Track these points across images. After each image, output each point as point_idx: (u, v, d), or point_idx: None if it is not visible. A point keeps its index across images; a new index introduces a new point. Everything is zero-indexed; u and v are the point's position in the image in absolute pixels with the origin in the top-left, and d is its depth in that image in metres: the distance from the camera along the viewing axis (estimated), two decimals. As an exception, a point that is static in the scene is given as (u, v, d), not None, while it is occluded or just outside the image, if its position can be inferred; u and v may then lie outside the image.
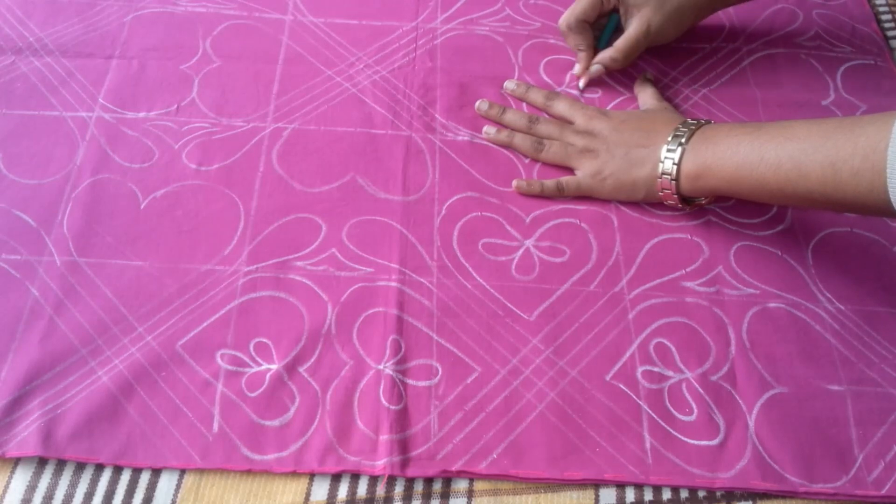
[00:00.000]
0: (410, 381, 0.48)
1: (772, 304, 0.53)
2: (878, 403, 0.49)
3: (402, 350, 0.49)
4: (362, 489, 0.45)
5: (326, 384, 0.48)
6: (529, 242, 0.55)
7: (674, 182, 0.52)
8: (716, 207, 0.57)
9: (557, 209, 0.57)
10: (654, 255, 0.55)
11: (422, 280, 0.52)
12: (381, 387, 0.48)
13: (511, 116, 0.61)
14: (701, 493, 0.46)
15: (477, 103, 0.62)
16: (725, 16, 0.71)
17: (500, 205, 0.57)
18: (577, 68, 0.64)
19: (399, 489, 0.45)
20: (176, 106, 0.61)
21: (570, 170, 0.58)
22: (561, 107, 0.60)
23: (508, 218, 0.56)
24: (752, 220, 0.57)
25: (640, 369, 0.49)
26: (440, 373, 0.49)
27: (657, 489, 0.46)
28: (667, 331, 0.51)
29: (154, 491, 0.44)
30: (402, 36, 0.67)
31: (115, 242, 0.53)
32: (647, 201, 0.56)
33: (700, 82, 0.65)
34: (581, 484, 0.46)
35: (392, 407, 0.47)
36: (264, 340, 0.49)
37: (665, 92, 0.64)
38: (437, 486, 0.45)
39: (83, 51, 0.64)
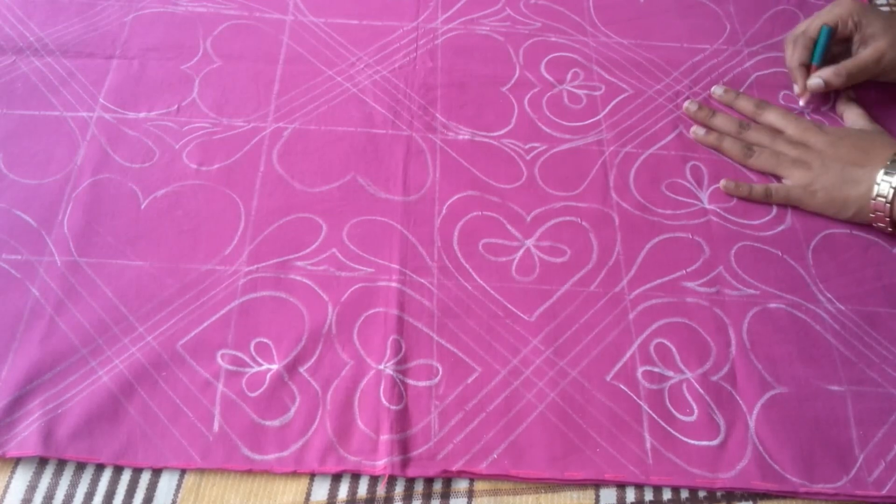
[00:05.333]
0: (411, 381, 0.48)
1: (772, 305, 0.53)
2: (879, 403, 0.49)
3: (403, 350, 0.49)
4: (363, 489, 0.45)
5: (327, 384, 0.48)
6: (530, 242, 0.55)
7: (888, 206, 0.53)
8: (717, 207, 0.57)
9: (559, 207, 0.57)
10: (655, 255, 0.55)
11: (422, 281, 0.52)
12: (382, 387, 0.48)
13: (720, 120, 0.61)
14: (701, 494, 0.46)
15: (686, 104, 0.63)
16: (727, 17, 0.71)
17: (500, 203, 0.57)
18: (797, 88, 0.63)
19: (399, 489, 0.45)
20: (176, 106, 0.61)
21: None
22: (772, 116, 0.61)
23: (509, 216, 0.56)
24: (753, 220, 0.57)
25: (640, 369, 0.49)
26: (440, 373, 0.49)
27: (657, 489, 0.46)
28: (667, 331, 0.51)
29: (154, 491, 0.44)
30: (403, 36, 0.67)
31: (116, 242, 0.53)
32: (853, 220, 0.56)
33: (701, 84, 0.65)
34: (581, 484, 0.46)
35: (392, 407, 0.47)
36: (265, 340, 0.49)
37: (666, 92, 0.64)
38: (438, 486, 0.45)
39: (84, 51, 0.64)
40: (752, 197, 0.58)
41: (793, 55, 0.64)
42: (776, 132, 0.60)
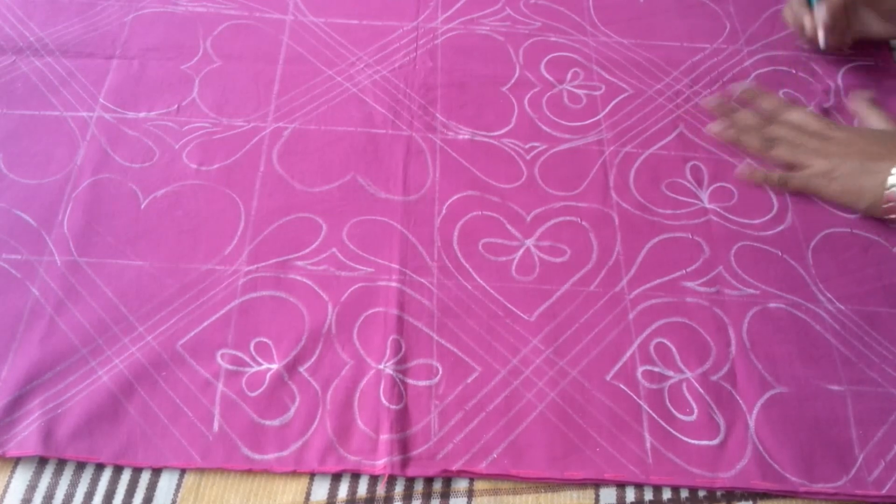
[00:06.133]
0: (411, 381, 0.48)
1: (772, 305, 0.53)
2: (879, 403, 0.49)
3: (403, 350, 0.49)
4: (363, 489, 0.45)
5: (327, 384, 0.48)
6: (530, 242, 0.55)
7: None
8: (717, 207, 0.57)
9: (559, 207, 0.57)
10: (655, 255, 0.55)
11: (422, 280, 0.52)
12: (382, 386, 0.48)
13: (742, 115, 0.62)
14: (701, 493, 0.46)
15: (707, 99, 0.63)
16: (726, 16, 0.71)
17: (500, 203, 0.57)
18: (808, 28, 0.64)
19: (399, 489, 0.45)
20: (176, 106, 0.61)
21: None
22: (794, 115, 0.61)
23: (509, 216, 0.56)
24: (753, 220, 0.57)
25: (640, 369, 0.49)
26: (440, 372, 0.49)
27: (657, 489, 0.46)
28: (667, 331, 0.51)
29: (154, 491, 0.44)
30: (403, 35, 0.67)
31: (116, 242, 0.53)
32: (867, 213, 0.57)
33: (701, 83, 0.65)
34: (581, 484, 0.46)
35: (392, 406, 0.47)
36: (264, 340, 0.49)
37: (666, 92, 0.64)
38: (438, 486, 0.45)
39: (84, 50, 0.64)
40: (768, 183, 0.58)
41: (790, 12, 0.66)
42: (798, 128, 0.60)
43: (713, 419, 0.48)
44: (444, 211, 0.56)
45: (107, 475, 0.45)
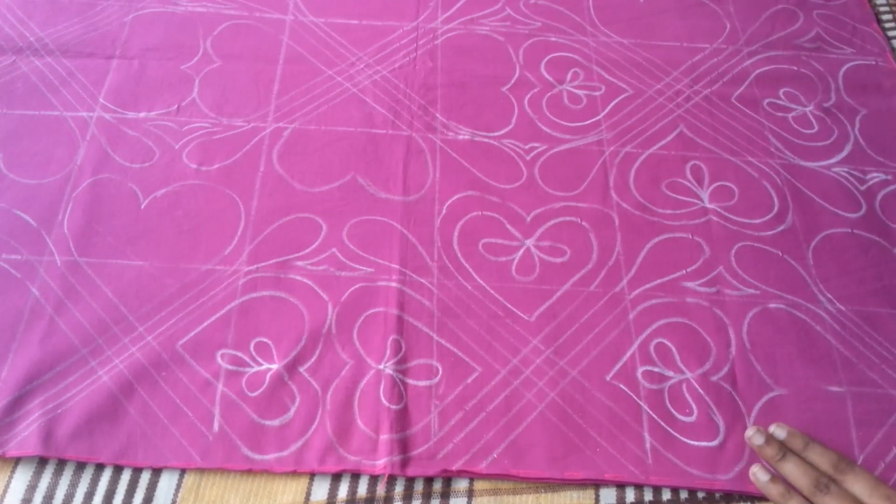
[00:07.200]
0: (411, 381, 0.48)
1: (772, 305, 0.53)
2: (879, 405, 0.49)
3: (403, 350, 0.49)
4: (363, 489, 0.45)
5: (327, 384, 0.48)
6: (530, 242, 0.55)
7: None
8: (717, 206, 0.57)
9: (559, 207, 0.57)
10: (655, 255, 0.55)
11: (422, 280, 0.52)
12: (382, 386, 0.48)
13: (792, 468, 0.45)
14: (700, 495, 0.46)
15: (748, 433, 0.47)
16: (726, 16, 0.71)
17: (500, 203, 0.57)
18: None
19: (399, 489, 0.45)
20: (176, 106, 0.61)
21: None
22: (858, 486, 0.44)
23: (509, 216, 0.56)
24: (754, 219, 0.57)
25: (640, 369, 0.49)
26: (440, 372, 0.49)
27: (657, 490, 0.46)
28: (667, 331, 0.51)
29: (154, 491, 0.44)
30: (403, 36, 0.67)
31: (116, 242, 0.53)
32: None
33: (701, 83, 0.65)
34: (581, 484, 0.46)
35: (392, 406, 0.47)
36: (265, 340, 0.49)
37: (666, 92, 0.64)
38: (438, 486, 0.45)
39: (84, 50, 0.64)
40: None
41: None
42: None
43: (713, 420, 0.48)
44: (444, 211, 0.56)
45: (107, 475, 0.45)
